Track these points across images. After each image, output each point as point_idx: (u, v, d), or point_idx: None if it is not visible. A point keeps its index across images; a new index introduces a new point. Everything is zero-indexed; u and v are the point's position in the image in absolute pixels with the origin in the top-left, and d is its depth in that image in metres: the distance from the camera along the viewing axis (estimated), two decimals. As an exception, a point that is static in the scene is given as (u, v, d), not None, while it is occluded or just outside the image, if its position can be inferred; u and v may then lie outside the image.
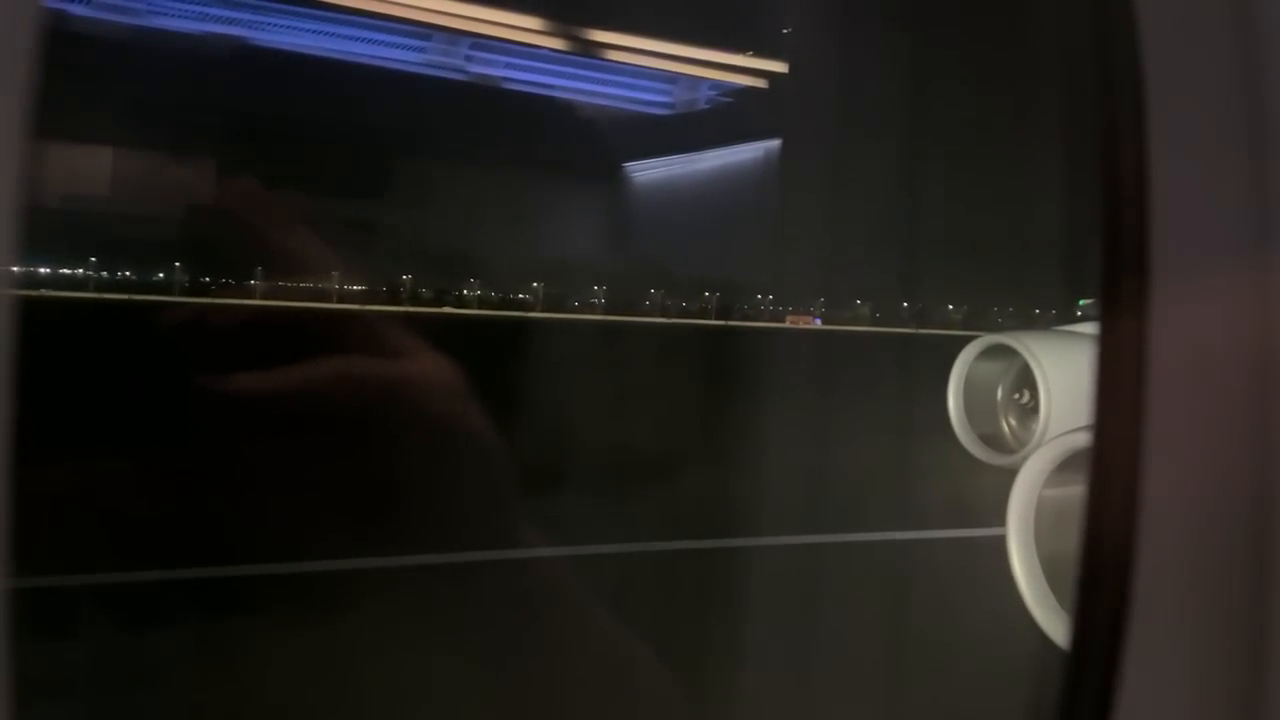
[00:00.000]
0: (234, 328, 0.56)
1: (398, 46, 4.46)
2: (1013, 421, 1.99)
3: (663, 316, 5.86)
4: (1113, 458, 0.53)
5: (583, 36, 4.61)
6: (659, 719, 0.66)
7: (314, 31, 4.28)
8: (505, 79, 4.70)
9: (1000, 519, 1.16)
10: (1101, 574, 0.53)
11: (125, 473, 0.55)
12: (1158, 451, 0.51)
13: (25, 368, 0.38)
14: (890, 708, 2.00)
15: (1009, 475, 1.18)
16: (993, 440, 1.98)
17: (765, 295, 5.61)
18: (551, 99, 4.81)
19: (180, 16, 4.14)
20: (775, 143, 4.99)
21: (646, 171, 5.44)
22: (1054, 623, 1.07)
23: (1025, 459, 1.19)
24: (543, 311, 5.58)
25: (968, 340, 2.02)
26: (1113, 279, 0.54)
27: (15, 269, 0.38)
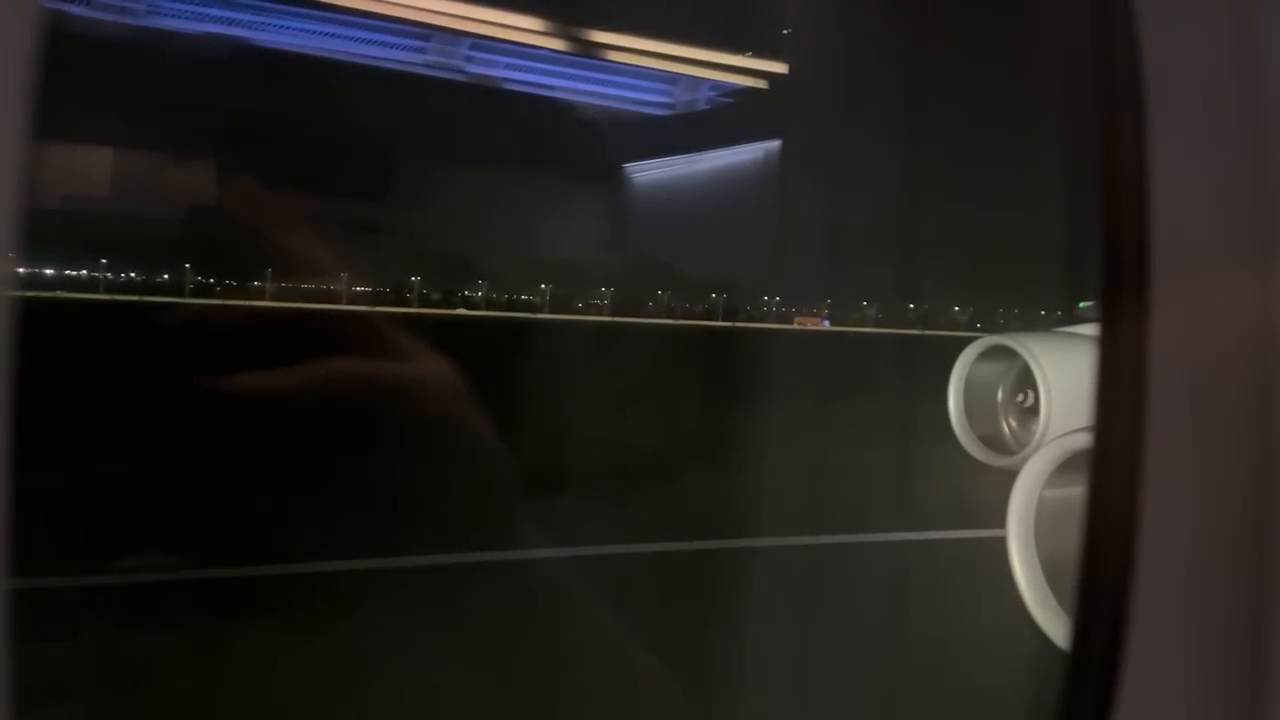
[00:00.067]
0: (233, 328, 0.56)
1: (398, 47, 4.47)
2: (1013, 423, 1.99)
3: (669, 318, 5.87)
4: (1113, 458, 0.53)
5: (583, 37, 4.61)
6: (660, 719, 0.66)
7: (314, 32, 4.28)
8: (505, 79, 4.70)
9: (1000, 520, 1.16)
10: (1101, 575, 0.53)
11: (125, 473, 0.55)
12: (1158, 452, 0.51)
13: (25, 368, 0.38)
14: (890, 708, 1.99)
15: (1013, 476, 1.18)
16: (993, 441, 1.98)
17: (772, 297, 5.61)
18: (551, 99, 4.81)
19: (180, 17, 4.15)
20: (776, 143, 4.99)
21: (646, 172, 5.44)
22: (1054, 623, 1.07)
23: (1025, 460, 1.19)
24: (550, 313, 5.58)
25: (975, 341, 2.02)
26: (1113, 279, 0.54)
27: (15, 269, 0.38)
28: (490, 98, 4.74)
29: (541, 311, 5.62)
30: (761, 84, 4.88)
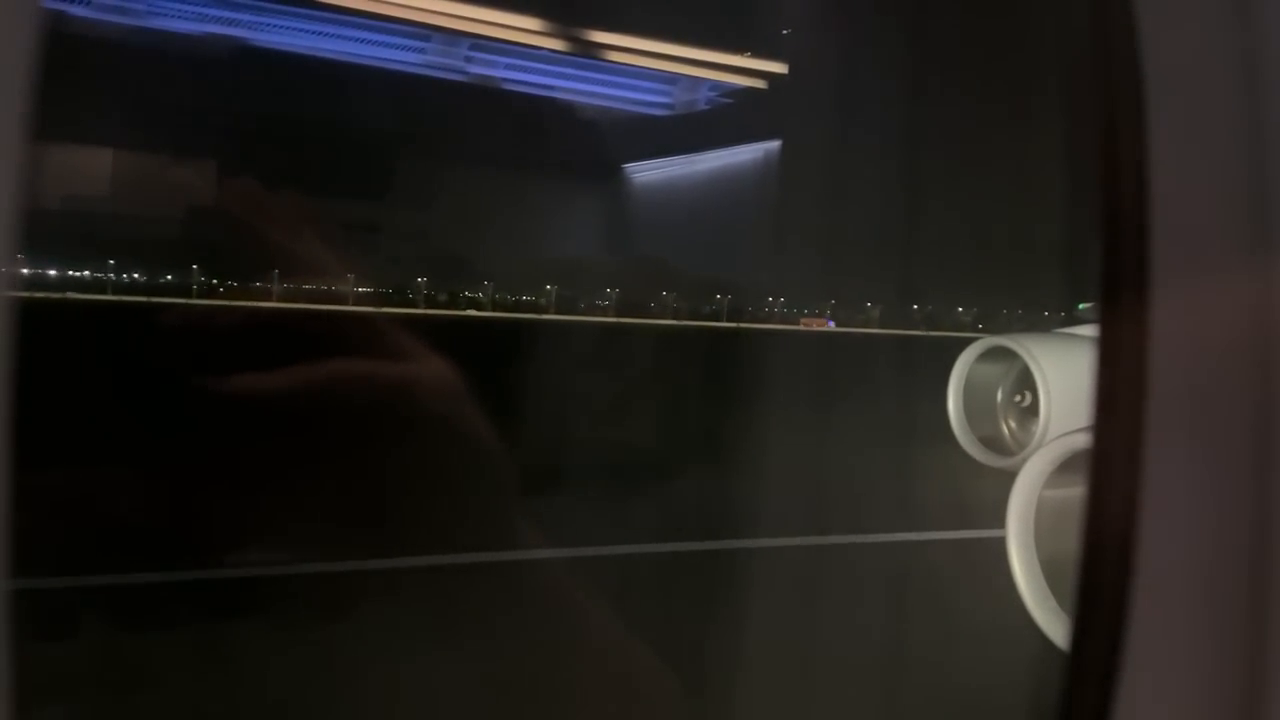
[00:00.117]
0: (232, 329, 0.56)
1: (397, 47, 4.47)
2: (1012, 423, 1.99)
3: (674, 319, 5.87)
4: (1112, 458, 0.53)
5: (582, 37, 4.61)
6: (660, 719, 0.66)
7: (313, 32, 4.28)
8: (505, 80, 4.70)
9: (1000, 520, 1.16)
10: (1101, 575, 0.53)
11: (125, 474, 0.55)
12: (1158, 452, 0.51)
13: (25, 369, 0.38)
14: (890, 709, 2.00)
15: (1013, 477, 1.18)
16: (992, 442, 1.98)
17: (775, 298, 5.60)
18: (551, 100, 4.82)
19: (180, 17, 4.15)
20: (775, 144, 4.99)
21: (646, 172, 5.44)
22: (1054, 624, 1.07)
23: (1025, 461, 1.19)
24: (554, 314, 5.58)
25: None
26: (1113, 279, 0.54)
27: (15, 270, 0.38)
28: (490, 98, 4.74)
29: (547, 312, 5.62)
30: (761, 84, 4.88)
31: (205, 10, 4.12)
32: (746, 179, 5.19)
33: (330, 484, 0.57)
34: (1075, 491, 1.07)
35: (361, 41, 4.31)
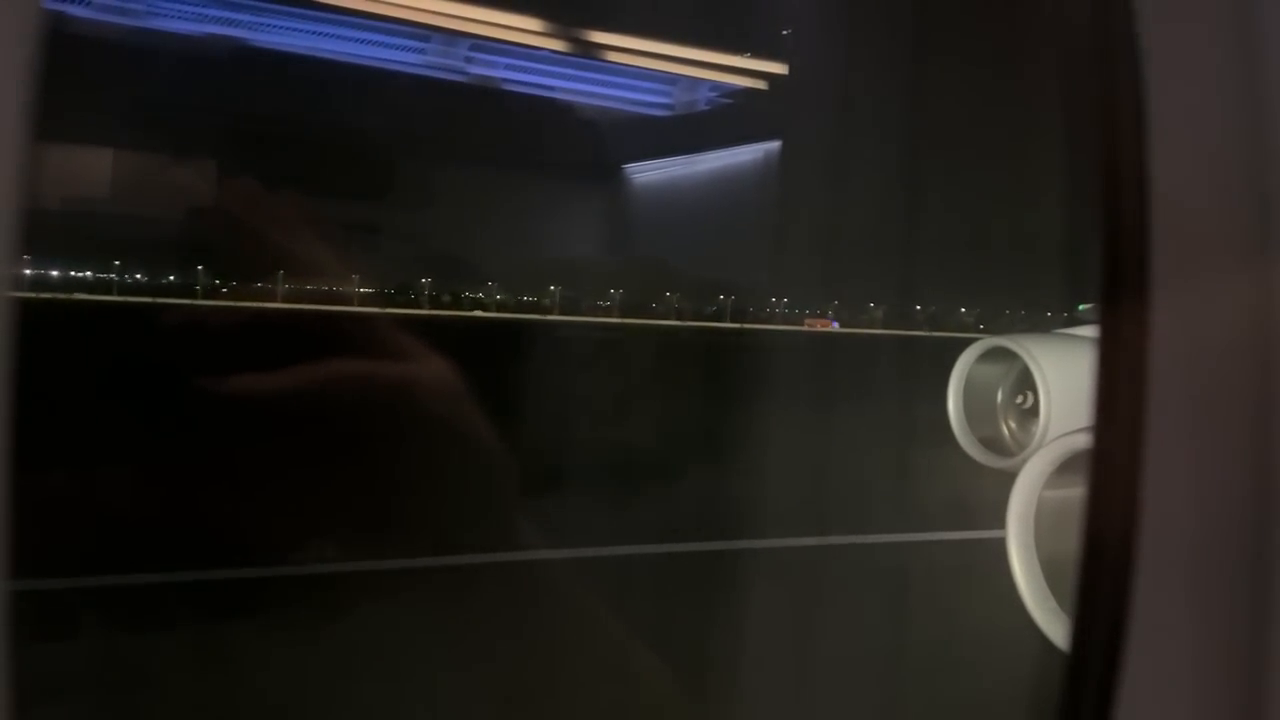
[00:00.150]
0: (231, 329, 0.56)
1: (397, 48, 4.46)
2: (1012, 424, 1.99)
3: (678, 320, 5.86)
4: (1113, 458, 0.53)
5: (582, 37, 4.61)
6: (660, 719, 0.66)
7: (313, 33, 4.28)
8: (505, 80, 4.70)
9: (1000, 520, 1.16)
10: (1101, 575, 0.53)
11: (125, 474, 0.55)
12: (1158, 452, 0.51)
13: (25, 369, 0.38)
14: (890, 709, 2.00)
15: (1013, 477, 1.18)
16: (993, 443, 1.97)
17: (779, 299, 5.60)
18: (551, 100, 4.82)
19: (180, 17, 4.15)
20: (775, 144, 4.99)
21: (646, 173, 5.43)
22: (1054, 625, 1.07)
23: (1025, 461, 1.19)
24: (560, 314, 5.57)
25: (985, 343, 2.01)
26: (1113, 279, 0.54)
27: (14, 270, 0.38)
28: (490, 98, 4.74)
29: (551, 313, 5.62)
30: (761, 84, 4.88)
31: (205, 10, 4.12)
32: (747, 179, 5.19)
33: (329, 485, 0.57)
34: (1075, 492, 1.06)
35: (361, 42, 4.31)
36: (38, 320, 0.41)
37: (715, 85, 5.00)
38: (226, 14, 4.04)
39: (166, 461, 0.55)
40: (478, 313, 5.47)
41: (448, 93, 4.69)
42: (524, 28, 4.40)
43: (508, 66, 4.64)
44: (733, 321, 5.85)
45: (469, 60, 4.57)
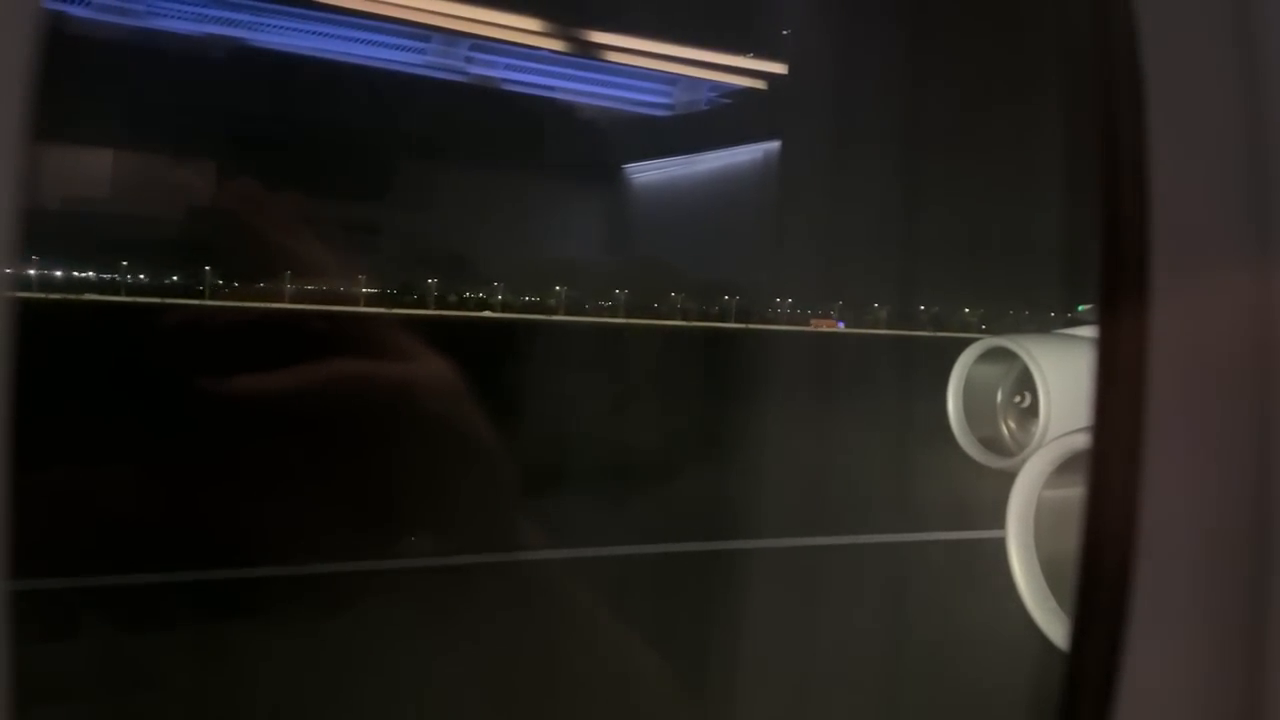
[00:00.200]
0: (231, 329, 0.56)
1: (397, 48, 4.47)
2: (1012, 424, 1.99)
3: (683, 319, 5.87)
4: (1112, 458, 0.53)
5: (582, 38, 4.61)
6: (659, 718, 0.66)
7: (313, 33, 4.28)
8: (505, 80, 4.70)
9: (1000, 521, 1.16)
10: (1101, 575, 0.53)
11: (126, 474, 0.55)
12: (1157, 452, 0.51)
13: (25, 370, 0.38)
14: (890, 709, 2.00)
15: (1013, 477, 1.18)
16: (992, 443, 1.98)
17: (783, 299, 5.60)
18: (551, 100, 4.82)
19: (179, 18, 4.15)
20: (775, 144, 4.99)
21: (646, 173, 5.44)
22: (1054, 624, 1.07)
23: (1025, 461, 1.19)
24: (564, 315, 5.58)
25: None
26: (1113, 279, 0.54)
27: (15, 270, 0.38)
28: (490, 98, 4.75)
29: (556, 313, 5.62)
30: (761, 84, 4.88)
31: (205, 10, 4.12)
32: (747, 179, 5.19)
33: (330, 484, 0.57)
34: (1075, 491, 1.06)
35: (362, 42, 4.31)
36: (39, 320, 0.41)
37: (715, 85, 5.00)
38: (226, 14, 4.04)
39: (167, 461, 0.55)
40: (485, 313, 5.47)
41: (448, 93, 4.69)
42: (524, 28, 4.40)
43: (508, 66, 4.64)
44: (737, 321, 5.85)
45: (469, 60, 4.57)
